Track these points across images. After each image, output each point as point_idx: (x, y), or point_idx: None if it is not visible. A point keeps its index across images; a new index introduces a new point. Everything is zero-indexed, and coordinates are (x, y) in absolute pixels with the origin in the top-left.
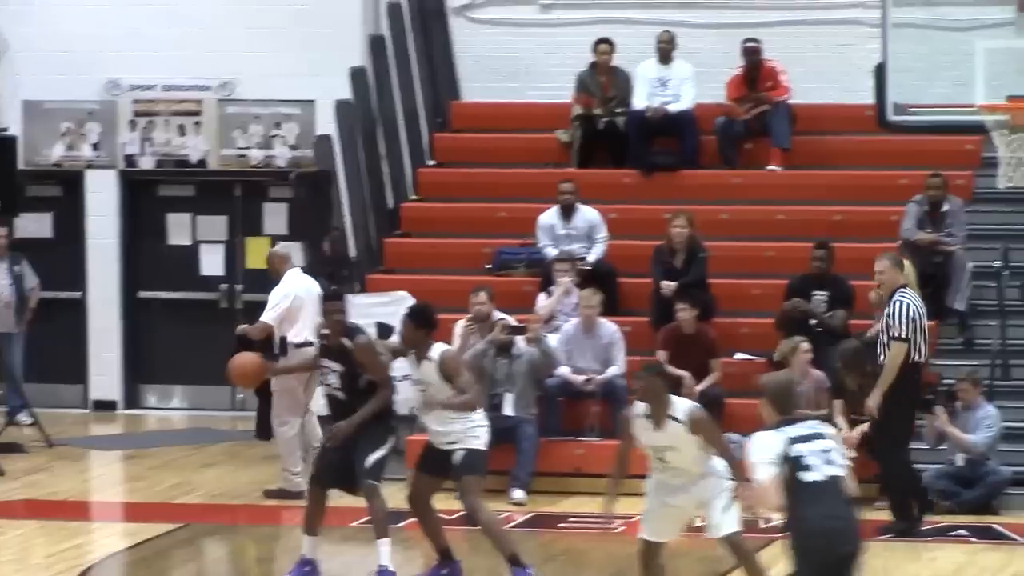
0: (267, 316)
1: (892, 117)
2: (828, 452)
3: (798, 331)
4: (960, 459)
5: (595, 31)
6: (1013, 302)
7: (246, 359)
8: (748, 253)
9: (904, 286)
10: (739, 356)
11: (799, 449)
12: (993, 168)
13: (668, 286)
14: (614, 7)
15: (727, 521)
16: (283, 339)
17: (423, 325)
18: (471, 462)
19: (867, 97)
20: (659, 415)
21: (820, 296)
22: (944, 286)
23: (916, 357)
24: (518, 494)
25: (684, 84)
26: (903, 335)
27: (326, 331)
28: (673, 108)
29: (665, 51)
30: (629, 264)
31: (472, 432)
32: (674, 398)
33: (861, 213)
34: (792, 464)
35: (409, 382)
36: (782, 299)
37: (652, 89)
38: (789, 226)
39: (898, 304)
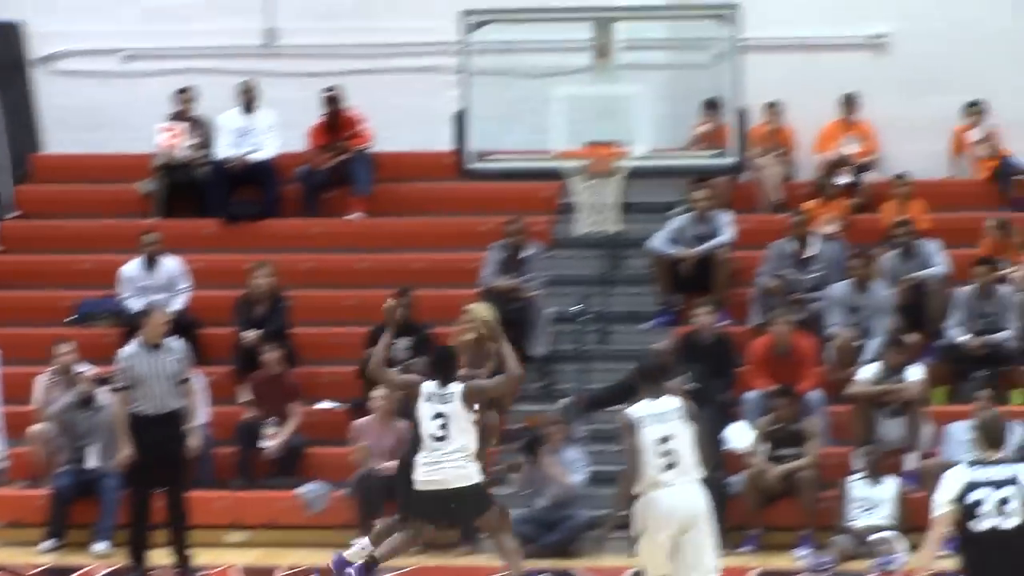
0: None
1: (471, 164)
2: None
3: None
4: (544, 502)
5: (179, 80)
6: (592, 347)
7: None
8: (329, 302)
9: None
10: (322, 405)
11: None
12: (571, 214)
13: (249, 336)
14: (196, 56)
15: None
16: None
17: None
18: None
19: (447, 144)
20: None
21: (402, 343)
22: (525, 332)
23: None
24: (101, 546)
25: (268, 133)
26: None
27: None
28: (255, 157)
29: (248, 100)
30: (213, 313)
31: None
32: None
33: (442, 260)
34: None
35: None
36: (364, 347)
37: (235, 139)
38: (370, 274)
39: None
